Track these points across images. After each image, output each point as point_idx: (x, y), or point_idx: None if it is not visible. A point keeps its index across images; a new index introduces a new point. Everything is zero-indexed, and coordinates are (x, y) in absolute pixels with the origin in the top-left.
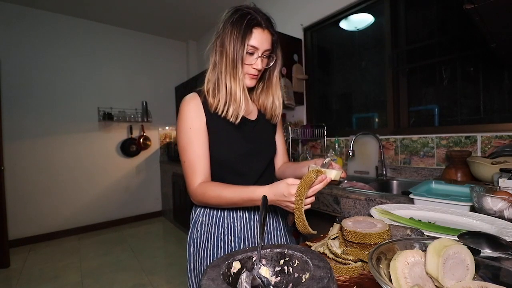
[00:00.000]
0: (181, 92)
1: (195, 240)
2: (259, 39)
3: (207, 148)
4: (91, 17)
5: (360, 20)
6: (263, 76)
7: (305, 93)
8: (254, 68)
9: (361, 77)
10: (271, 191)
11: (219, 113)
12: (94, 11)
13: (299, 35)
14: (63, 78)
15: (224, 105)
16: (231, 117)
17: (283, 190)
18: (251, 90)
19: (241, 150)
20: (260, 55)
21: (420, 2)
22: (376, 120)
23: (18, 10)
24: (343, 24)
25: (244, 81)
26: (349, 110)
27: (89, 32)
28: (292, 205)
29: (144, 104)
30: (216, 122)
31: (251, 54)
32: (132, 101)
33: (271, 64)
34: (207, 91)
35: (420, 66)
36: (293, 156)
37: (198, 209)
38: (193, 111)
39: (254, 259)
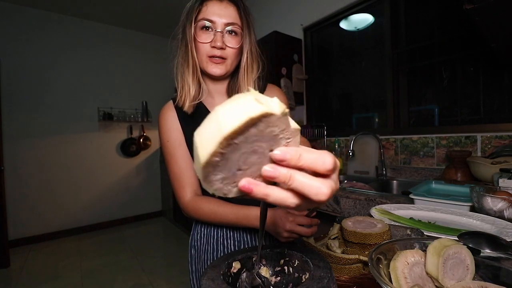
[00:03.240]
0: None
1: (196, 243)
2: (214, 11)
3: (190, 157)
4: (91, 17)
5: (360, 20)
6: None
7: (305, 93)
8: (214, 47)
9: (361, 77)
10: (270, 216)
11: (180, 105)
12: (94, 11)
13: (299, 35)
14: (63, 78)
15: (184, 98)
16: (185, 107)
17: (279, 217)
18: (230, 87)
19: None
20: (219, 30)
21: (420, 2)
22: (376, 120)
23: (18, 10)
24: (343, 24)
25: (208, 68)
26: (349, 110)
27: (89, 32)
28: (283, 239)
29: (144, 104)
30: (190, 129)
31: (208, 29)
32: (132, 101)
33: (240, 43)
34: (177, 88)
35: (420, 66)
36: None
37: None
38: (167, 122)
39: (254, 259)
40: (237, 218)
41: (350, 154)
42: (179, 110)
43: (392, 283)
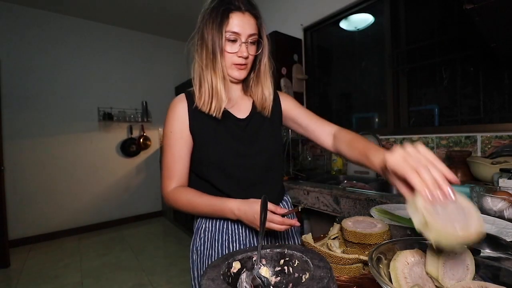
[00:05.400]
0: (181, 92)
1: (199, 248)
2: (239, 23)
3: (187, 152)
4: (91, 17)
5: (360, 20)
6: (254, 66)
7: (305, 93)
8: (240, 57)
9: (361, 77)
10: (242, 208)
11: (204, 109)
12: (94, 11)
13: (299, 35)
14: (63, 78)
15: (208, 100)
16: (214, 111)
17: (254, 211)
18: (245, 82)
19: (229, 151)
20: (244, 41)
21: (420, 2)
22: (376, 120)
23: (18, 10)
24: (343, 24)
25: (231, 73)
26: (349, 110)
27: (89, 32)
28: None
29: (144, 104)
30: (202, 123)
31: (234, 41)
32: (132, 101)
33: (259, 51)
34: (194, 89)
35: (420, 66)
36: (293, 156)
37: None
38: (175, 114)
39: (254, 259)
40: (213, 210)
41: None
42: (191, 103)
43: (392, 283)
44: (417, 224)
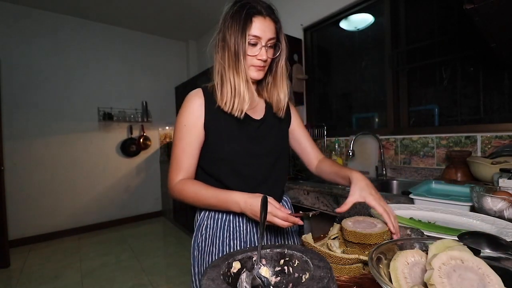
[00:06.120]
0: (181, 92)
1: (200, 244)
2: (260, 27)
3: (197, 146)
4: (91, 17)
5: (360, 20)
6: (271, 68)
7: (305, 93)
8: (259, 59)
9: (361, 77)
10: (248, 201)
11: (226, 108)
12: (94, 11)
13: (299, 35)
14: (63, 78)
15: (230, 100)
16: (236, 111)
17: (258, 205)
18: (260, 84)
19: (242, 150)
20: (263, 44)
21: (420, 2)
22: (376, 120)
23: (18, 10)
24: (343, 24)
25: (250, 73)
26: (349, 110)
27: (89, 32)
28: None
29: (144, 104)
30: (218, 120)
31: (254, 44)
32: (132, 101)
33: (277, 54)
34: (214, 87)
35: (420, 66)
36: (293, 156)
37: (202, 212)
38: (191, 108)
39: (254, 259)
40: (218, 201)
41: (350, 154)
42: (207, 99)
43: (392, 283)
44: (426, 277)
